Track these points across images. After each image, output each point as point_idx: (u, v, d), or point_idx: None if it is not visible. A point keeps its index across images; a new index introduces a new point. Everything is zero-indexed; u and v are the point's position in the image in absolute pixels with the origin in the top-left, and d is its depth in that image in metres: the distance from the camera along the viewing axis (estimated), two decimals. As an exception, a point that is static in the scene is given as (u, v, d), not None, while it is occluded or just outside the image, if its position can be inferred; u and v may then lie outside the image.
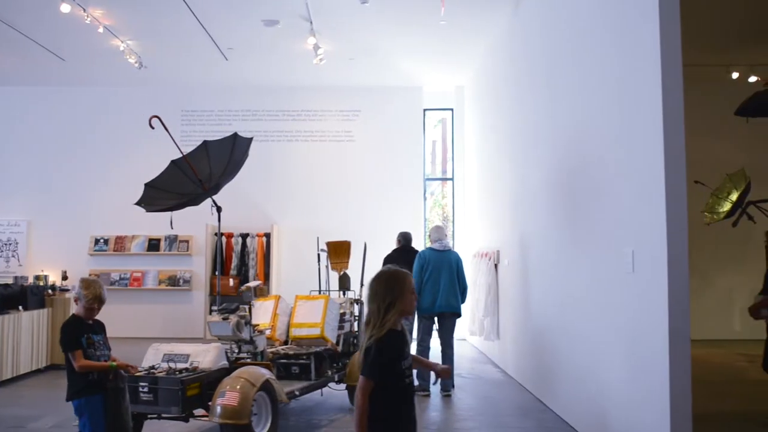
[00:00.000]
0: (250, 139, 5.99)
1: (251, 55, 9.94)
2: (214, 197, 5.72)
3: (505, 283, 8.32)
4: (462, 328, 9.98)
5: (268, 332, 6.05)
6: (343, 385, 6.28)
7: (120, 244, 11.20)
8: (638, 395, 4.41)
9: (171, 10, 8.13)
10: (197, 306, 10.97)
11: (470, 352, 10.00)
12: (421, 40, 9.34)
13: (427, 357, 7.12)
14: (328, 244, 7.38)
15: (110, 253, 11.20)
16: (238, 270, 10.84)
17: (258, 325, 5.81)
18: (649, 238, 4.25)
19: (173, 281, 11.10)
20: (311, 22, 8.51)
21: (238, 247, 10.96)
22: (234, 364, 4.96)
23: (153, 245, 11.16)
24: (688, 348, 4.03)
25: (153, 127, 5.03)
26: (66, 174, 11.43)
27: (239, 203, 11.19)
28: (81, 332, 3.89)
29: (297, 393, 5.39)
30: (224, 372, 4.79)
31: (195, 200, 5.60)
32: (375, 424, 2.66)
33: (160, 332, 10.66)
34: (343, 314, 6.38)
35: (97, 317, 4.04)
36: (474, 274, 9.45)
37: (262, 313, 6.37)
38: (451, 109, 11.80)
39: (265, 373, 4.76)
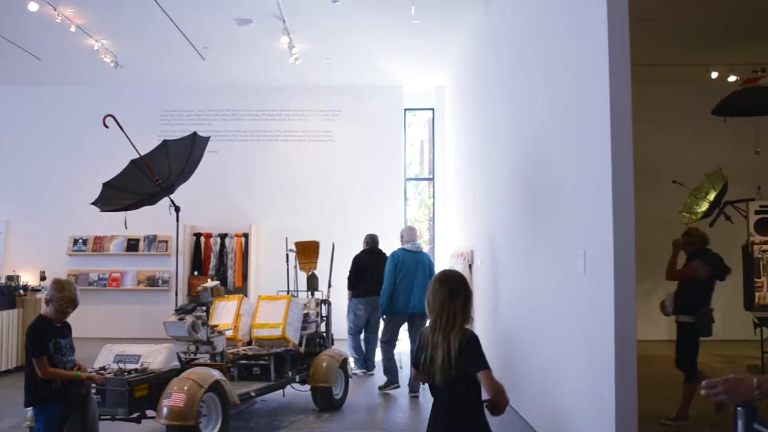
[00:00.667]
0: (208, 138, 5.96)
1: (228, 54, 9.90)
2: (173, 197, 5.66)
3: (479, 284, 8.28)
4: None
5: (229, 333, 6.02)
6: (307, 386, 6.24)
7: (99, 244, 11.16)
8: (591, 398, 4.37)
9: (141, 10, 8.09)
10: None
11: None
12: (398, 39, 9.31)
13: (392, 353, 7.11)
14: (297, 244, 7.35)
15: (89, 253, 11.16)
16: (216, 270, 10.80)
17: (217, 325, 5.78)
18: (599, 238, 4.21)
19: (152, 281, 11.06)
20: (284, 21, 8.47)
21: (216, 248, 10.92)
22: (186, 365, 4.92)
23: (132, 245, 11.12)
24: (634, 349, 3.99)
25: (107, 126, 4.99)
26: (45, 174, 11.39)
27: (218, 203, 11.18)
28: (49, 336, 3.76)
29: (253, 394, 5.34)
30: (175, 373, 4.75)
31: (151, 200, 5.56)
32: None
33: (138, 333, 10.61)
34: (306, 315, 6.33)
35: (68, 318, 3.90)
36: (450, 274, 9.40)
37: (225, 313, 6.33)
38: (432, 109, 11.76)
39: (215, 374, 4.72)
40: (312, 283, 7.11)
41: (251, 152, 11.41)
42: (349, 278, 8.07)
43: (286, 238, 7.60)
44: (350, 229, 10.13)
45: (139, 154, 5.40)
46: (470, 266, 8.67)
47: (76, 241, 11.18)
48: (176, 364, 4.84)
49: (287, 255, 7.34)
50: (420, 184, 12.59)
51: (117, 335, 10.32)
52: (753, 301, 8.57)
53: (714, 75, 10.17)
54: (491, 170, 7.52)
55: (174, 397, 4.39)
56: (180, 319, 5.28)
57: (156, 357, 4.77)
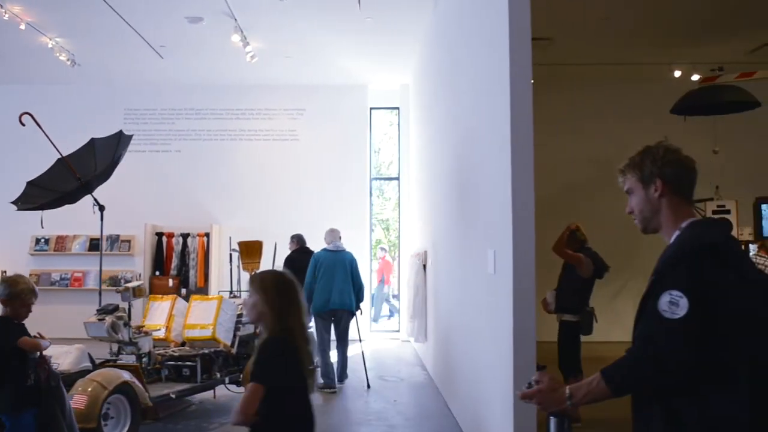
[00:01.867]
0: (131, 137, 5.90)
1: (186, 53, 9.83)
2: (98, 197, 5.60)
3: (431, 284, 8.22)
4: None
5: (158, 333, 5.96)
6: (241, 388, 6.17)
7: (61, 243, 11.10)
8: (502, 398, 4.30)
9: (89, 8, 8.02)
10: (137, 306, 10.83)
11: (408, 355, 9.87)
12: (357, 37, 9.23)
13: (328, 353, 7.08)
14: (240, 244, 7.30)
15: (51, 252, 11.10)
16: (178, 270, 10.73)
17: (143, 326, 5.72)
18: (506, 239, 4.14)
19: (114, 281, 10.99)
20: (236, 19, 8.40)
21: (178, 248, 10.85)
22: (98, 366, 4.85)
23: (94, 245, 11.04)
24: (533, 349, 3.90)
25: (23, 124, 4.93)
26: (6, 172, 11.31)
27: (181, 203, 11.10)
28: (15, 336, 3.59)
29: (172, 396, 5.28)
30: (85, 374, 4.68)
31: (71, 198, 5.50)
32: None
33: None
34: (240, 315, 6.26)
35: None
36: (409, 274, 9.35)
37: (159, 314, 6.27)
38: (398, 108, 11.69)
39: (124, 375, 4.66)
40: (254, 284, 7.04)
41: (216, 151, 11.34)
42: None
43: (230, 238, 7.54)
44: (316, 229, 9.97)
45: (60, 153, 5.34)
46: (424, 266, 8.61)
47: (38, 241, 11.12)
48: (87, 364, 4.78)
49: (230, 255, 7.29)
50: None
51: (78, 336, 10.23)
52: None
53: (677, 74, 10.10)
54: (437, 171, 7.46)
55: (76, 399, 4.32)
56: (100, 320, 5.21)
57: (66, 358, 4.71)
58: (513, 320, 3.89)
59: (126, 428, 4.66)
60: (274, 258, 7.13)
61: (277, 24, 8.68)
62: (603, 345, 10.81)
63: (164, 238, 10.90)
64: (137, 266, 11.06)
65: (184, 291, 10.41)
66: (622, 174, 2.19)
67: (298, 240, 8.13)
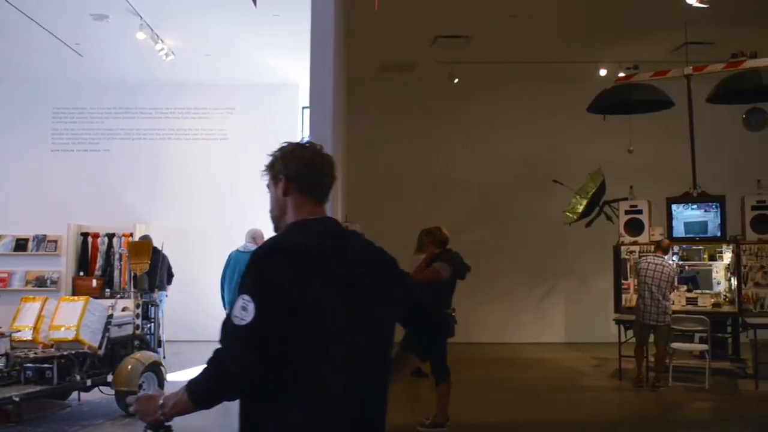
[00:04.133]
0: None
1: (105, 51, 9.70)
2: None
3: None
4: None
5: (21, 335, 5.86)
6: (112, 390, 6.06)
7: (-15, 244, 10.98)
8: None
9: (-10, 5, 7.91)
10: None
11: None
12: (272, 35, 9.12)
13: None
14: (129, 244, 7.20)
15: (-25, 253, 10.99)
16: (103, 271, 10.60)
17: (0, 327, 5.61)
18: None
19: (41, 282, 10.88)
20: (141, 17, 8.29)
21: (103, 248, 10.72)
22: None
23: (20, 245, 10.94)
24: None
25: None
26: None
27: (109, 203, 10.97)
28: None
29: (16, 398, 5.17)
30: None
31: None
32: None
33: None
34: (110, 316, 6.15)
35: None
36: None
37: (29, 315, 6.17)
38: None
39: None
40: (140, 283, 6.96)
41: (145, 151, 11.22)
42: None
43: (121, 238, 7.42)
44: (247, 229, 9.93)
45: None
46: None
47: (-37, 241, 11.01)
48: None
49: (120, 255, 7.18)
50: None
51: None
52: (620, 304, 8.40)
53: (603, 72, 10.01)
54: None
55: None
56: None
57: None
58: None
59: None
60: (161, 257, 7.01)
61: (186, 22, 8.58)
62: (533, 346, 10.78)
63: (89, 239, 10.78)
64: (63, 266, 10.94)
65: (108, 291, 10.30)
66: (265, 172, 2.10)
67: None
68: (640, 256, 8.01)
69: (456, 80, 10.15)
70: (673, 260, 8.35)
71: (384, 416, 1.87)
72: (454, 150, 11.05)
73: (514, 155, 10.93)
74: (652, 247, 7.91)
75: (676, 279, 7.61)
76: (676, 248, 8.35)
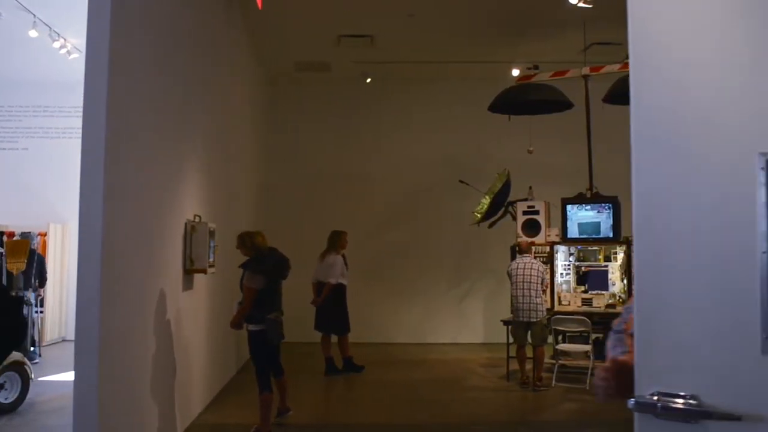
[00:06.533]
0: None
1: (13, 48, 9.64)
2: None
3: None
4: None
5: None
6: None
7: None
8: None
9: None
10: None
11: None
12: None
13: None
14: (6, 243, 7.13)
15: None
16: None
17: None
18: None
19: (-44, 281, 10.79)
20: (34, 15, 8.24)
21: (18, 247, 10.64)
22: None
23: (-65, 244, 10.85)
24: (96, 350, 3.68)
25: None
26: None
27: (27, 202, 10.89)
28: None
29: None
30: None
31: None
32: None
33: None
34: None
35: None
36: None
37: None
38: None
39: None
40: (15, 282, 6.90)
41: (65, 149, 11.12)
42: None
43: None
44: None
45: None
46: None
47: None
48: None
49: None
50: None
51: None
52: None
53: (515, 72, 9.96)
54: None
55: None
56: None
57: None
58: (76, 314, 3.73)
59: None
60: (33, 256, 6.95)
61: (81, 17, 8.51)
62: (450, 347, 10.75)
63: (4, 237, 10.68)
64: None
65: (22, 291, 10.24)
66: None
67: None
68: (512, 260, 8.08)
69: (369, 80, 10.12)
70: (569, 261, 8.36)
71: None
72: (373, 150, 11.03)
73: (432, 155, 10.90)
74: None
75: (546, 278, 7.65)
76: (572, 249, 8.34)
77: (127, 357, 4.23)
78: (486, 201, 9.44)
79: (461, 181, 9.44)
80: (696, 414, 1.60)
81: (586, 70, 8.44)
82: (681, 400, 1.61)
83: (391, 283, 10.94)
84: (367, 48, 9.42)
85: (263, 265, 5.40)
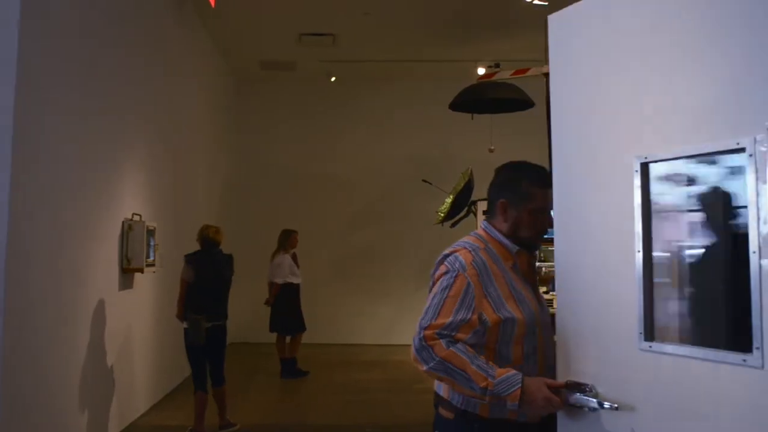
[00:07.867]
0: None
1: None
2: None
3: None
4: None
5: None
6: None
7: None
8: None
9: None
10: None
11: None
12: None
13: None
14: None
15: None
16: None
17: None
18: None
19: None
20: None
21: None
22: None
23: None
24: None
25: None
26: None
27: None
28: None
29: None
30: None
31: None
32: None
33: None
34: None
35: None
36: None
37: None
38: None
39: None
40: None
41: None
42: None
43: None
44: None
45: None
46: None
47: None
48: None
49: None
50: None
51: None
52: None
53: (481, 71, 9.91)
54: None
55: None
56: None
57: None
58: None
59: None
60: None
61: None
62: (401, 348, 10.63)
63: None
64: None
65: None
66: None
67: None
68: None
69: (333, 78, 10.05)
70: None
71: None
72: (339, 150, 10.96)
73: (399, 155, 10.84)
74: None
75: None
76: (532, 249, 8.27)
77: (41, 366, 4.12)
78: (449, 200, 9.38)
79: (424, 181, 9.37)
80: (587, 402, 1.86)
81: (546, 68, 8.36)
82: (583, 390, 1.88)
83: (358, 284, 10.86)
84: (330, 47, 9.34)
85: (196, 259, 5.37)
